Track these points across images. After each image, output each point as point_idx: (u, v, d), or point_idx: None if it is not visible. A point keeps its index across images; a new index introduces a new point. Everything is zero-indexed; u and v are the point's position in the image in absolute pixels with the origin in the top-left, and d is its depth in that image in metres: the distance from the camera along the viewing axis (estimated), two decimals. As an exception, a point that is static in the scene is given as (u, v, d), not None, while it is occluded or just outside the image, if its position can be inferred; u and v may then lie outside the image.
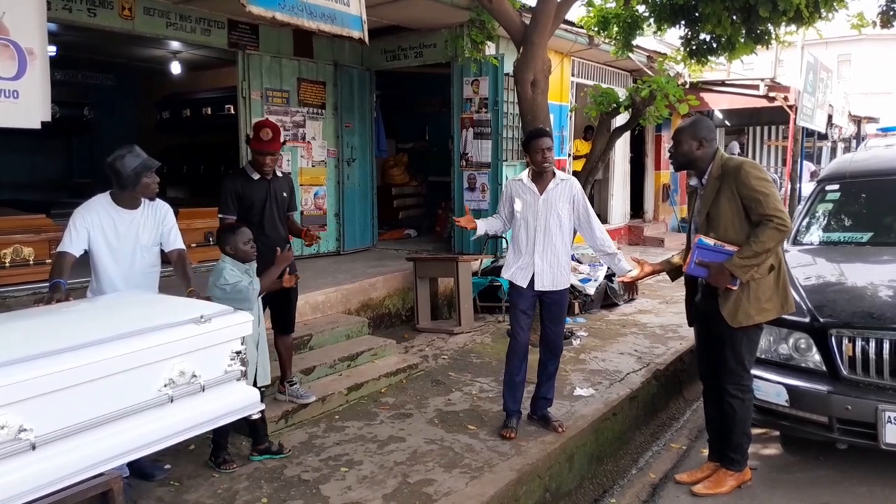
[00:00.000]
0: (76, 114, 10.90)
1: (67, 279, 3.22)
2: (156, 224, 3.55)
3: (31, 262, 5.66)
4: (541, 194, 4.09)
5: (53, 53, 7.71)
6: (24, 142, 10.03)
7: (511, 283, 4.22)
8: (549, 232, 4.09)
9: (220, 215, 4.19)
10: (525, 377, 4.25)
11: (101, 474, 2.29)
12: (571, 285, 7.21)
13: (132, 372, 2.38)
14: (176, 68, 10.14)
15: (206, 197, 8.92)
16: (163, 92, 11.72)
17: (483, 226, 4.30)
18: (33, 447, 2.10)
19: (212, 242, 7.12)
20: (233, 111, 8.97)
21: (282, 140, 4.26)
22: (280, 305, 4.28)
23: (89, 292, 3.47)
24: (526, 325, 4.17)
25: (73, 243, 3.30)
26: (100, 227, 3.36)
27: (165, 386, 2.47)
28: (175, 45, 8.82)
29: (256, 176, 4.20)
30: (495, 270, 7.31)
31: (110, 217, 3.39)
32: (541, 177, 4.11)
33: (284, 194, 4.32)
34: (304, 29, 4.58)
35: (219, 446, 3.75)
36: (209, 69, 10.43)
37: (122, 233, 3.41)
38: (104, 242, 3.37)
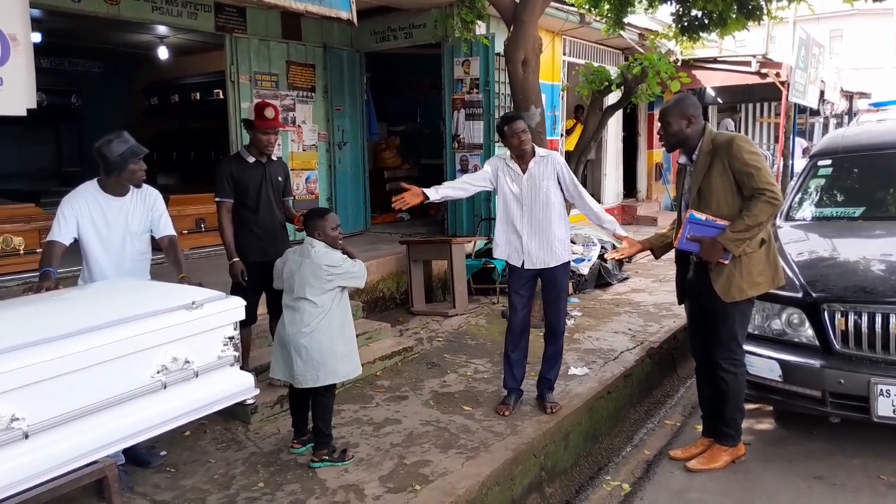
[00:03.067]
0: (63, 101, 10.82)
1: (57, 268, 3.20)
2: (145, 210, 3.52)
3: (22, 252, 5.63)
4: (523, 173, 4.09)
5: (38, 40, 7.62)
6: (12, 131, 9.93)
7: (508, 263, 4.23)
8: (535, 210, 4.07)
9: (217, 199, 4.14)
10: (524, 356, 4.25)
11: (95, 462, 2.29)
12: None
13: (125, 359, 2.37)
14: (163, 53, 10.03)
15: (196, 183, 8.87)
16: (150, 78, 11.61)
17: (433, 192, 3.97)
18: (26, 436, 2.09)
19: (203, 229, 7.11)
20: (221, 96, 8.90)
21: None
22: (274, 289, 4.23)
23: (80, 280, 3.45)
24: (520, 305, 4.17)
25: (61, 232, 3.28)
26: (88, 214, 3.33)
27: (158, 372, 2.47)
28: (162, 29, 8.72)
29: (252, 159, 4.16)
30: (489, 252, 7.28)
31: (98, 204, 3.37)
32: (522, 157, 4.10)
33: (280, 178, 4.29)
34: (291, 11, 4.53)
35: (328, 440, 3.58)
36: (197, 54, 10.32)
37: (111, 220, 3.39)
38: (93, 230, 3.35)
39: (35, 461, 2.11)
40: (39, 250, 4.58)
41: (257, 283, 4.07)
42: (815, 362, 3.64)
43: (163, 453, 3.65)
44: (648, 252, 3.96)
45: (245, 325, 3.92)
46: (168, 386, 2.48)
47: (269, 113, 4.11)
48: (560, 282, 4.18)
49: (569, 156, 7.78)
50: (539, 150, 4.15)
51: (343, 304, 3.58)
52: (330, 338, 3.48)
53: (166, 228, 3.61)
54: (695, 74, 11.38)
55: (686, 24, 7.02)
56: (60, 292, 3.04)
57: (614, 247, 8.05)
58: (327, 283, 3.45)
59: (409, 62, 10.05)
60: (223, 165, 4.18)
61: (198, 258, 6.68)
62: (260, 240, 4.16)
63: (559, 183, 4.11)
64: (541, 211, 4.07)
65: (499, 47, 7.05)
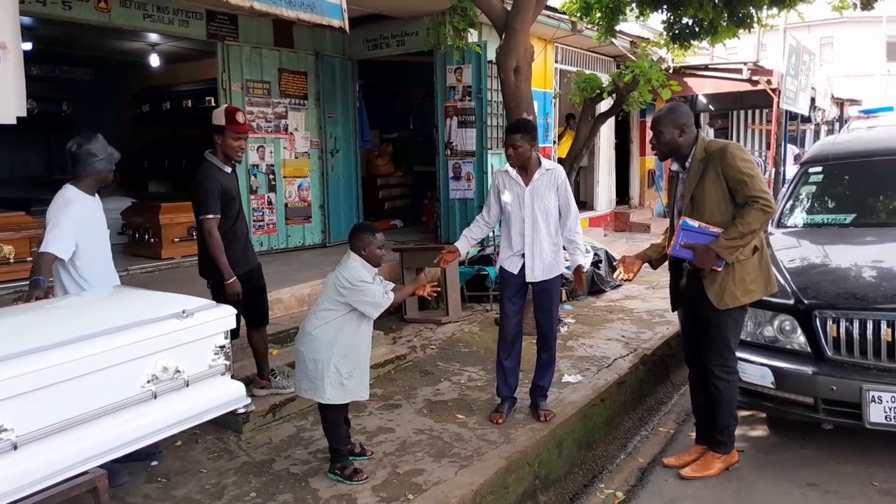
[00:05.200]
0: (54, 109, 10.74)
1: (48, 277, 3.18)
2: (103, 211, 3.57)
3: (12, 260, 5.59)
4: (526, 185, 4.07)
5: (29, 48, 7.60)
6: (2, 139, 9.87)
7: (500, 272, 4.22)
8: (536, 222, 4.07)
9: (209, 216, 3.87)
10: (517, 364, 4.25)
11: (85, 472, 2.27)
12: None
13: (115, 368, 2.36)
14: (155, 61, 10.01)
15: (187, 191, 8.84)
16: (142, 85, 11.58)
17: (464, 244, 4.28)
18: (15, 447, 2.08)
19: (195, 237, 7.05)
20: (213, 103, 8.88)
21: None
22: (251, 297, 4.09)
23: (68, 287, 3.39)
24: (513, 312, 4.16)
25: (57, 244, 3.21)
26: (84, 221, 3.33)
27: (149, 382, 2.46)
28: (153, 37, 8.71)
29: (228, 169, 4.08)
30: (482, 260, 7.30)
31: (90, 208, 3.38)
32: (525, 168, 4.09)
33: (239, 185, 4.24)
34: (283, 18, 4.53)
35: (339, 454, 3.48)
36: (189, 61, 10.31)
37: (101, 221, 3.41)
38: (89, 235, 3.34)
39: (24, 472, 2.09)
40: (30, 259, 4.53)
41: (242, 294, 4.01)
42: (808, 369, 3.65)
43: (154, 463, 3.63)
44: (648, 265, 3.95)
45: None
46: (158, 395, 2.47)
47: (241, 117, 4.01)
48: (552, 289, 4.18)
49: (560, 163, 7.80)
50: (546, 163, 4.12)
51: (350, 328, 3.39)
52: (327, 353, 3.36)
53: None
54: (686, 82, 11.45)
55: (677, 31, 7.06)
56: (51, 301, 3.02)
57: (607, 254, 8.09)
58: (338, 294, 3.35)
59: (401, 70, 10.07)
60: (210, 181, 3.92)
61: (189, 266, 6.64)
62: (241, 250, 4.10)
63: (558, 197, 4.11)
64: (541, 224, 4.07)
65: (491, 55, 7.06)
